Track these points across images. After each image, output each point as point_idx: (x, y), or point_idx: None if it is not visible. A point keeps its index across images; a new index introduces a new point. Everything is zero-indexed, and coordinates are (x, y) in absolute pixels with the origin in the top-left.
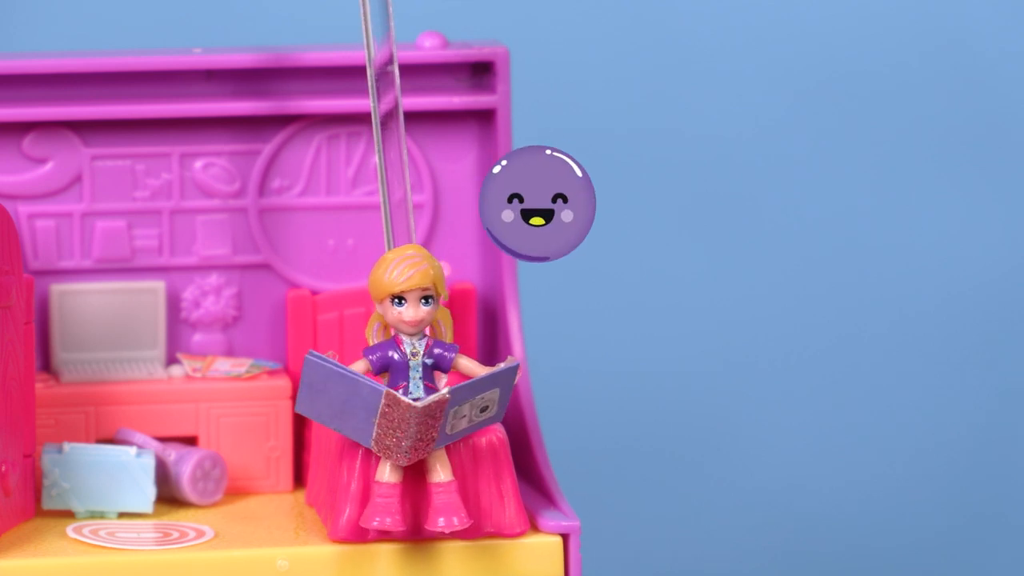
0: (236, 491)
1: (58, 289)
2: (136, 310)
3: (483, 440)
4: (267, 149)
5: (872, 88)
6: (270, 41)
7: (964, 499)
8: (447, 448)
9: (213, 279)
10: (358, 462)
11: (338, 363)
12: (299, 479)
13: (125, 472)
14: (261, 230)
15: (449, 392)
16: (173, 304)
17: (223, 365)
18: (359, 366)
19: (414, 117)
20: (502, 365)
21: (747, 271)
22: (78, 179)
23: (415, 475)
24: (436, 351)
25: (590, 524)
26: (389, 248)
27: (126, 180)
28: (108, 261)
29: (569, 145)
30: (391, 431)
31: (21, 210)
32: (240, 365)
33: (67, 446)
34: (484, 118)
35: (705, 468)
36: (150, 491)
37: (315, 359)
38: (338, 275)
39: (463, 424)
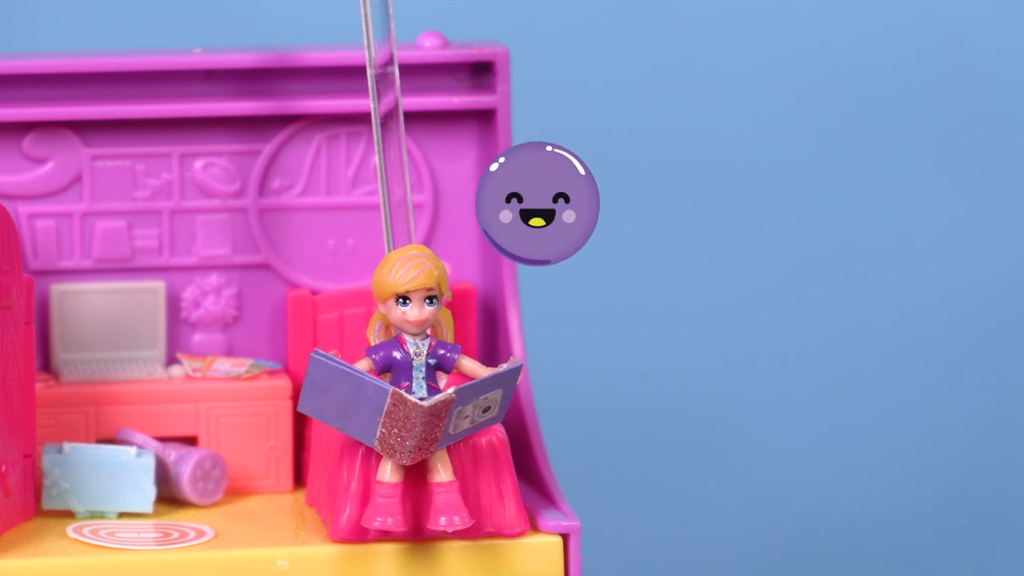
0: (236, 491)
1: (58, 289)
2: (136, 310)
3: (483, 440)
4: (267, 149)
5: (872, 88)
6: (270, 41)
7: (964, 499)
8: (448, 448)
9: (213, 279)
10: (358, 462)
11: (343, 362)
12: (299, 479)
13: (125, 472)
14: (261, 230)
15: (455, 392)
16: (173, 304)
17: (223, 365)
18: (362, 365)
19: (414, 117)
20: (505, 366)
21: (747, 271)
22: (78, 179)
23: (416, 475)
24: (439, 352)
25: (590, 524)
26: (389, 248)
27: (126, 180)
28: (108, 261)
29: (569, 145)
30: (396, 431)
31: (21, 210)
32: (240, 365)
33: (67, 446)
34: (484, 118)
35: (705, 468)
36: (150, 491)
37: (320, 357)
38: (338, 275)
39: (465, 424)
